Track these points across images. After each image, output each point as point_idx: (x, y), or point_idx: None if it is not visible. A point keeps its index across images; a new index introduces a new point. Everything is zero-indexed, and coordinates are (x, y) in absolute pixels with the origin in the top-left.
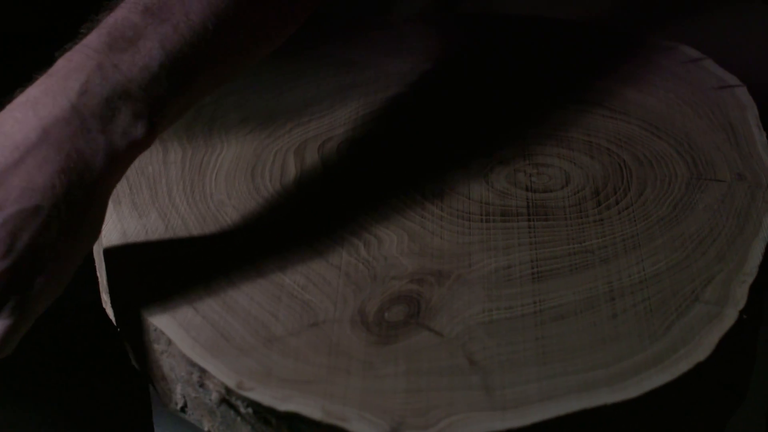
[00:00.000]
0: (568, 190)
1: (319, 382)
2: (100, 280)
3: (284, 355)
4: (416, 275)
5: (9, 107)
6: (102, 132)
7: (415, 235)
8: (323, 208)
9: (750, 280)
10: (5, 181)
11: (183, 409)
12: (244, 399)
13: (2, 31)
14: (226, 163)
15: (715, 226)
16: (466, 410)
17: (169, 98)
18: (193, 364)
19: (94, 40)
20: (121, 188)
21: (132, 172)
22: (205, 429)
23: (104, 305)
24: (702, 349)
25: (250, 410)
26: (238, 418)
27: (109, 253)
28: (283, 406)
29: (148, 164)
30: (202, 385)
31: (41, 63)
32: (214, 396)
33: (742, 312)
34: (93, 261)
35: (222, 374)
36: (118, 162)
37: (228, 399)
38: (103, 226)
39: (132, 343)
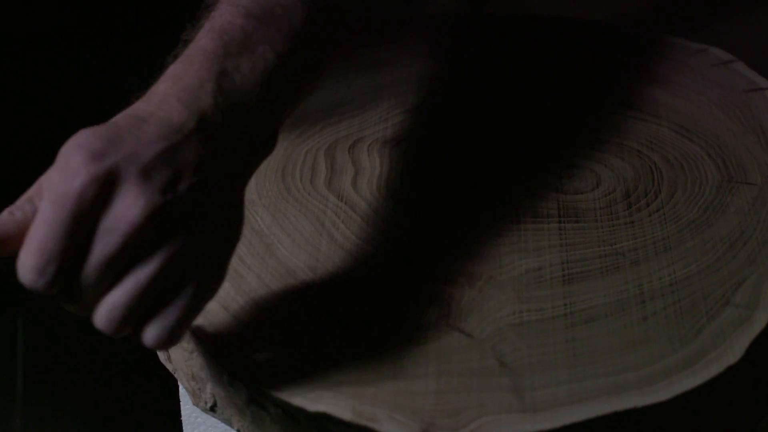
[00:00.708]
0: (598, 192)
1: (349, 382)
2: None
3: None
4: (447, 276)
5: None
6: (238, 130)
7: (446, 235)
8: (353, 207)
9: None
10: (177, 155)
11: (213, 408)
12: (274, 399)
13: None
14: None
15: (746, 229)
16: (496, 412)
17: (285, 99)
18: None
19: (209, 44)
20: None
21: None
22: (235, 428)
23: None
24: (732, 353)
25: (279, 410)
26: (268, 418)
27: None
28: (313, 407)
29: None
30: (231, 385)
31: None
32: (244, 395)
33: None
34: None
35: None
36: (249, 161)
37: (258, 399)
38: None
39: None
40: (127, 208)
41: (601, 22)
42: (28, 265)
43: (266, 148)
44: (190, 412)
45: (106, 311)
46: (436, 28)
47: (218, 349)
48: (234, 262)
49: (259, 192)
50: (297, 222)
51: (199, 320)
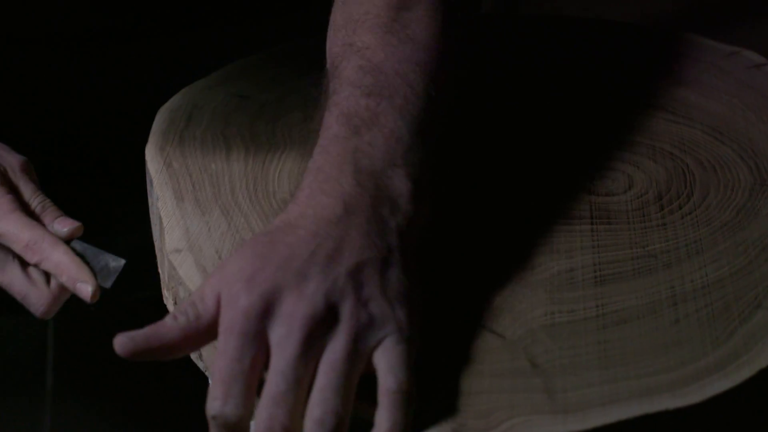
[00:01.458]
0: (630, 194)
1: None
2: (162, 276)
3: None
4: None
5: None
6: (383, 200)
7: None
8: None
9: None
10: (330, 244)
11: None
12: None
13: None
14: (289, 162)
15: None
16: (527, 413)
17: (422, 158)
18: None
19: (340, 129)
20: (184, 185)
21: (195, 169)
22: None
23: (165, 301)
24: (765, 356)
25: None
26: None
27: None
28: None
29: (211, 162)
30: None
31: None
32: None
33: None
34: (151, 257)
35: None
36: (408, 226)
37: None
38: (166, 223)
39: None
40: (292, 309)
41: (634, 23)
42: (212, 397)
43: (421, 207)
44: None
45: (321, 400)
46: (468, 30)
47: None
48: None
49: (291, 191)
50: None
51: None
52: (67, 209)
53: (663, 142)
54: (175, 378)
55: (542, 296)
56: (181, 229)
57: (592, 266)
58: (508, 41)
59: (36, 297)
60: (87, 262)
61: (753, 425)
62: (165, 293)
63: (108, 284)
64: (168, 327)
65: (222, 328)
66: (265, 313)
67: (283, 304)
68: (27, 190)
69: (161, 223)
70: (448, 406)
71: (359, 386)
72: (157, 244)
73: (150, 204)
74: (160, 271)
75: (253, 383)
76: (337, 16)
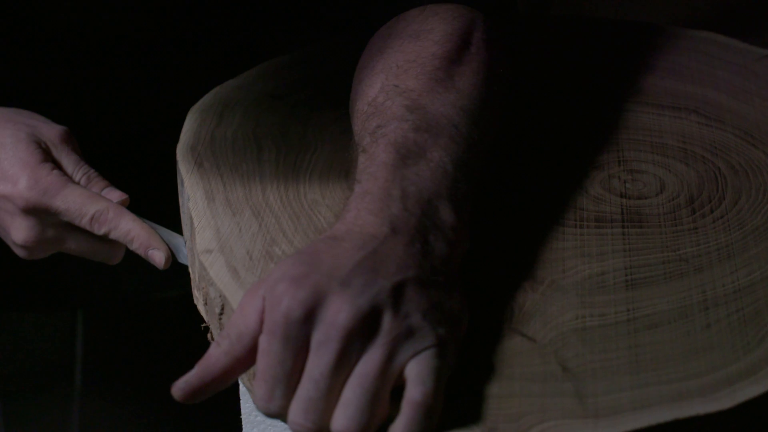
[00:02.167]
0: (662, 197)
1: None
2: (192, 276)
3: None
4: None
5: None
6: (429, 227)
7: (509, 239)
8: None
9: None
10: (375, 259)
11: None
12: None
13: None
14: (321, 163)
15: None
16: (558, 417)
17: (465, 195)
18: None
19: (387, 157)
20: (215, 185)
21: (226, 169)
22: None
23: (195, 302)
24: None
25: None
26: None
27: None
28: None
29: (242, 162)
30: None
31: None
32: None
33: None
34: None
35: None
36: (451, 254)
37: None
38: (197, 223)
39: None
40: (334, 316)
41: (663, 25)
42: (257, 396)
43: (462, 239)
44: (250, 410)
45: (343, 416)
46: None
47: None
48: None
49: (323, 192)
50: None
51: None
52: None
53: (695, 146)
54: None
55: (573, 300)
56: (212, 229)
57: (623, 270)
58: (536, 42)
59: (104, 251)
60: None
61: None
62: (195, 293)
63: (180, 259)
64: (215, 357)
65: (265, 329)
66: (307, 316)
67: (326, 310)
68: (70, 162)
69: (192, 223)
70: (478, 409)
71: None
72: (187, 244)
73: (181, 204)
74: (190, 271)
75: (295, 383)
76: (373, 63)
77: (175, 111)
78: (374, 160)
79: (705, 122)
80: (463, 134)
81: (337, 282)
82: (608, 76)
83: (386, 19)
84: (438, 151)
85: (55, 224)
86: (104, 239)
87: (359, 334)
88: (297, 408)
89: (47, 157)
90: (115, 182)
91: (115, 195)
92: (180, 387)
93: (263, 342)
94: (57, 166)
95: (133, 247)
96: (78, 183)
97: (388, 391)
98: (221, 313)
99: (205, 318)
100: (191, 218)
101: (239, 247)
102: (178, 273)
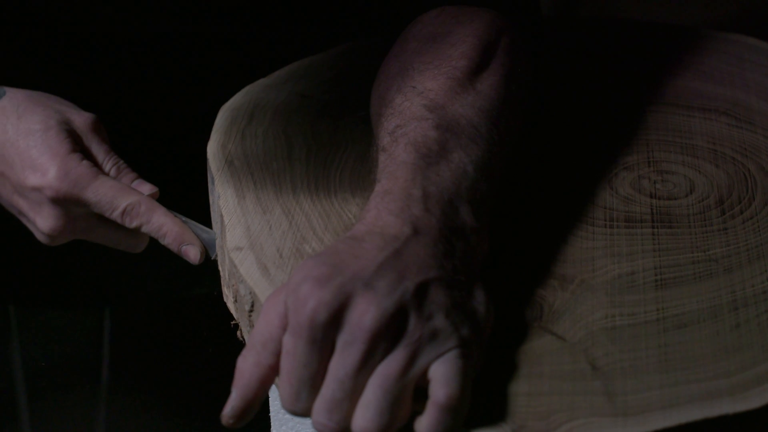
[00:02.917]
0: (692, 198)
1: None
2: (222, 273)
3: None
4: (540, 279)
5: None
6: (451, 228)
7: (539, 238)
8: None
9: None
10: (398, 260)
11: None
12: None
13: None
14: (351, 161)
15: None
16: (587, 415)
17: (484, 197)
18: None
19: (408, 157)
20: (245, 183)
21: (257, 168)
22: None
23: (225, 299)
24: None
25: None
26: None
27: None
28: None
29: (272, 160)
30: None
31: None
32: None
33: None
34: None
35: None
36: (472, 254)
37: None
38: (227, 221)
39: None
40: (359, 318)
41: (693, 27)
42: (284, 397)
43: (482, 241)
44: (278, 408)
45: (363, 417)
46: None
47: None
48: None
49: (353, 190)
50: None
51: None
52: None
53: (725, 147)
54: (231, 373)
55: (603, 299)
56: (242, 227)
57: (653, 270)
58: (567, 43)
59: (129, 241)
60: None
61: None
62: (225, 291)
63: (213, 254)
64: (248, 371)
65: (290, 330)
66: (332, 318)
67: (351, 312)
68: (100, 152)
69: (222, 220)
70: (507, 406)
71: None
72: (217, 241)
73: (211, 201)
74: (220, 268)
75: (319, 383)
76: (390, 66)
77: (206, 109)
78: (394, 160)
79: (735, 124)
80: (482, 135)
81: (361, 283)
82: (638, 77)
83: (409, 20)
84: (458, 152)
85: (83, 214)
86: (132, 230)
87: (384, 336)
88: (321, 408)
89: (77, 146)
90: (146, 180)
91: (146, 188)
92: (228, 414)
93: (288, 343)
94: (87, 155)
95: (166, 242)
96: (108, 174)
97: (410, 392)
98: (251, 311)
99: (235, 315)
100: (221, 216)
101: (269, 244)
102: (205, 271)
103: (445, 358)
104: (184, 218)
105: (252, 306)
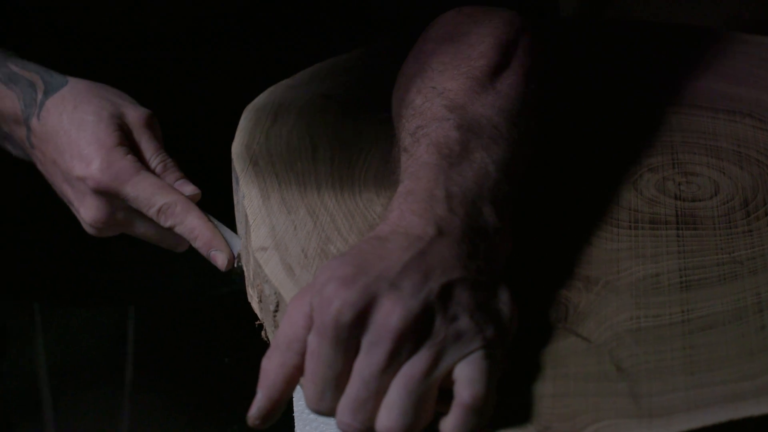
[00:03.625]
0: (717, 200)
1: None
2: (246, 273)
3: None
4: (565, 280)
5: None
6: (475, 228)
7: (563, 239)
8: None
9: None
10: (422, 261)
11: None
12: None
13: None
14: (376, 161)
15: None
16: (612, 417)
17: (506, 197)
18: None
19: (430, 158)
20: (270, 183)
21: (281, 168)
22: None
23: (249, 299)
24: None
25: None
26: None
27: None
28: None
29: (297, 160)
30: None
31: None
32: None
33: None
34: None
35: None
36: (496, 254)
37: None
38: (252, 221)
39: None
40: (385, 318)
41: (717, 29)
42: (308, 397)
43: (505, 241)
44: (302, 408)
45: (387, 417)
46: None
47: None
48: None
49: (377, 191)
50: None
51: None
52: None
53: (749, 149)
54: (256, 372)
55: (628, 300)
56: (267, 227)
57: (677, 271)
58: (590, 45)
59: (171, 239)
60: None
61: None
62: (249, 291)
63: (236, 262)
64: (273, 372)
65: (315, 330)
66: (357, 318)
67: (377, 312)
68: (149, 148)
69: (247, 220)
70: (532, 408)
71: None
72: (242, 241)
73: (236, 202)
74: (245, 268)
75: (344, 383)
76: (409, 68)
77: (230, 110)
78: (416, 160)
79: (760, 126)
80: (503, 135)
81: (386, 283)
82: (662, 79)
83: (428, 21)
84: (479, 152)
85: (125, 208)
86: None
87: (409, 336)
88: (346, 408)
89: (124, 140)
90: None
91: (188, 189)
92: (254, 415)
93: (312, 343)
94: (134, 150)
95: (196, 245)
96: (153, 170)
97: (435, 393)
98: (276, 311)
99: (259, 315)
100: (246, 216)
101: (294, 244)
102: (229, 271)
103: (469, 359)
104: (216, 222)
105: (277, 306)
